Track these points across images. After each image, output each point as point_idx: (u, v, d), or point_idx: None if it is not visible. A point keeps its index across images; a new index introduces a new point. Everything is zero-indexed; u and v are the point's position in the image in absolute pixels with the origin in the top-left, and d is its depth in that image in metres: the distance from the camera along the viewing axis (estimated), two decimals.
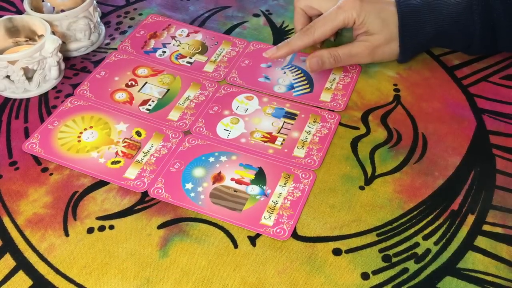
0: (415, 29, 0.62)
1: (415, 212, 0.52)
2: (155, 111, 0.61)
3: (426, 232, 0.50)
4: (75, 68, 0.68)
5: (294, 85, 0.64)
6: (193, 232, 0.50)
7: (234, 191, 0.53)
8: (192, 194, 0.53)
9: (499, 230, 0.51)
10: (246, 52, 0.69)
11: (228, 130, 0.59)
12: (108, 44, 0.71)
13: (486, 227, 0.51)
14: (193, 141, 0.58)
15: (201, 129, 0.59)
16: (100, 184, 0.54)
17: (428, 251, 0.49)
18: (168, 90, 0.64)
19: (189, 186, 0.54)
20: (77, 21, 0.67)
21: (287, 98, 0.63)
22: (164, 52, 0.69)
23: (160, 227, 0.51)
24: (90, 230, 0.51)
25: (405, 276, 0.47)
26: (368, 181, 0.55)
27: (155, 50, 0.69)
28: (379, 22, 0.62)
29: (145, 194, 0.53)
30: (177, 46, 0.70)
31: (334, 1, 0.63)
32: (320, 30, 0.62)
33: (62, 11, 0.70)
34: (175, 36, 0.71)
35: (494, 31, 0.62)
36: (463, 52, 0.67)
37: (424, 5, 0.62)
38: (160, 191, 0.53)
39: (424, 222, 0.51)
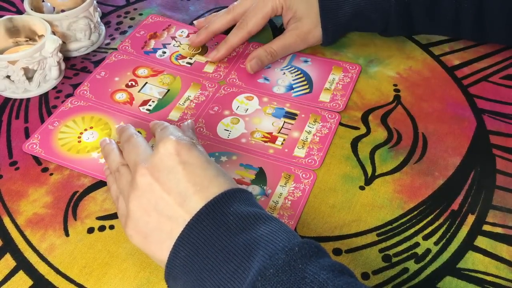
0: (334, 9, 0.64)
1: (415, 212, 0.52)
2: (155, 111, 0.61)
3: (426, 232, 0.50)
4: (75, 68, 0.68)
5: (294, 86, 0.64)
6: None
7: None
8: None
9: (499, 230, 0.51)
10: (246, 53, 0.69)
11: (228, 130, 0.59)
12: (108, 44, 0.71)
13: (486, 227, 0.51)
14: None
15: (202, 129, 0.59)
16: (100, 184, 0.54)
17: (428, 251, 0.49)
18: (168, 90, 0.64)
19: None
20: (77, 21, 0.67)
21: (286, 98, 0.63)
22: (164, 52, 0.69)
23: None
24: (90, 230, 0.51)
25: (405, 276, 0.47)
26: (368, 181, 0.55)
27: (155, 50, 0.69)
28: (304, 6, 0.64)
29: None
30: (177, 46, 0.70)
31: None
32: (252, 22, 0.65)
33: (62, 11, 0.70)
34: (175, 37, 0.71)
35: (409, 10, 0.64)
36: (381, 35, 0.69)
37: None
38: None
39: (424, 222, 0.51)
